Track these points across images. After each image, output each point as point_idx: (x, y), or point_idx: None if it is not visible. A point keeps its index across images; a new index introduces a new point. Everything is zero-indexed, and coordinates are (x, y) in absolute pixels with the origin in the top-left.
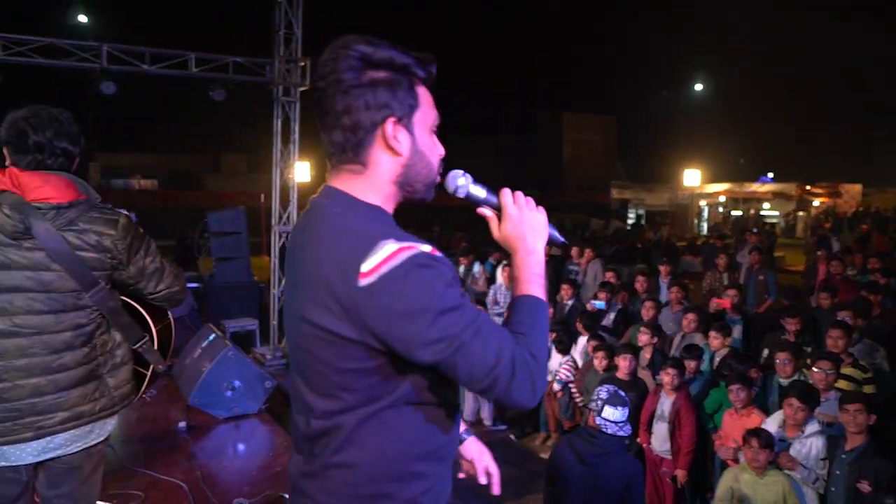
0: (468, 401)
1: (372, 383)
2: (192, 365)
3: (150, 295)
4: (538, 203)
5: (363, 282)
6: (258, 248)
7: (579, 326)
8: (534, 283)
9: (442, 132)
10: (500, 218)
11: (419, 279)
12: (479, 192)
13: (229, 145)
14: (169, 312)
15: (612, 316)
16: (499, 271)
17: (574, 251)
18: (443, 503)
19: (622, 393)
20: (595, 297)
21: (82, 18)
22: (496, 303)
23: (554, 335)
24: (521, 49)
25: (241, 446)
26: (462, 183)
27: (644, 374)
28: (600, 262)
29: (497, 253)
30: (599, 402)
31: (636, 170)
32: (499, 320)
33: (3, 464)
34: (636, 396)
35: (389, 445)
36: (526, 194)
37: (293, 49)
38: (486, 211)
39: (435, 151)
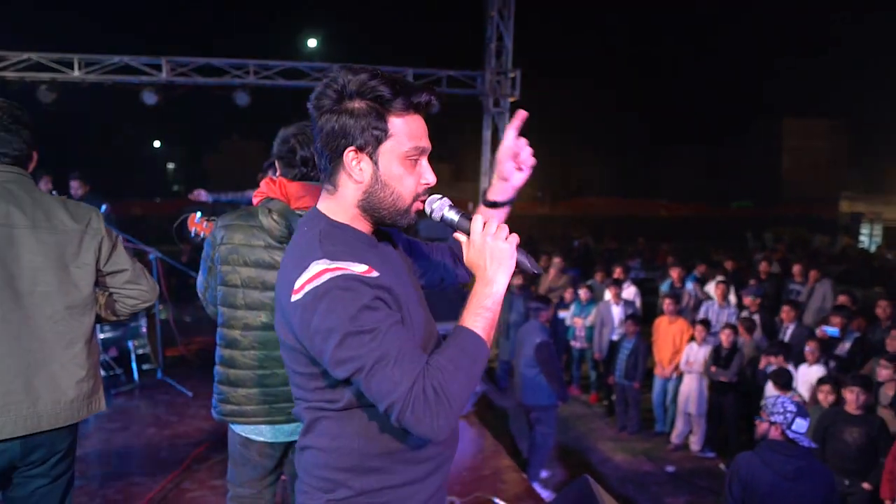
0: (677, 423)
1: (321, 387)
2: None
3: None
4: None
5: (293, 297)
6: None
7: (807, 354)
8: (479, 316)
9: (651, 142)
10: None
11: (334, 300)
12: (453, 216)
13: (437, 155)
14: None
15: (847, 345)
16: (711, 287)
17: (796, 269)
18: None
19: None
20: (826, 323)
21: (313, 43)
22: (705, 323)
23: (777, 358)
24: (733, 49)
25: None
26: (437, 206)
27: (885, 413)
28: (829, 282)
29: (703, 266)
30: (789, 415)
31: (873, 180)
32: (710, 340)
33: (261, 440)
34: (864, 434)
35: (343, 441)
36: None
37: (504, 61)
38: (460, 236)
39: (405, 181)
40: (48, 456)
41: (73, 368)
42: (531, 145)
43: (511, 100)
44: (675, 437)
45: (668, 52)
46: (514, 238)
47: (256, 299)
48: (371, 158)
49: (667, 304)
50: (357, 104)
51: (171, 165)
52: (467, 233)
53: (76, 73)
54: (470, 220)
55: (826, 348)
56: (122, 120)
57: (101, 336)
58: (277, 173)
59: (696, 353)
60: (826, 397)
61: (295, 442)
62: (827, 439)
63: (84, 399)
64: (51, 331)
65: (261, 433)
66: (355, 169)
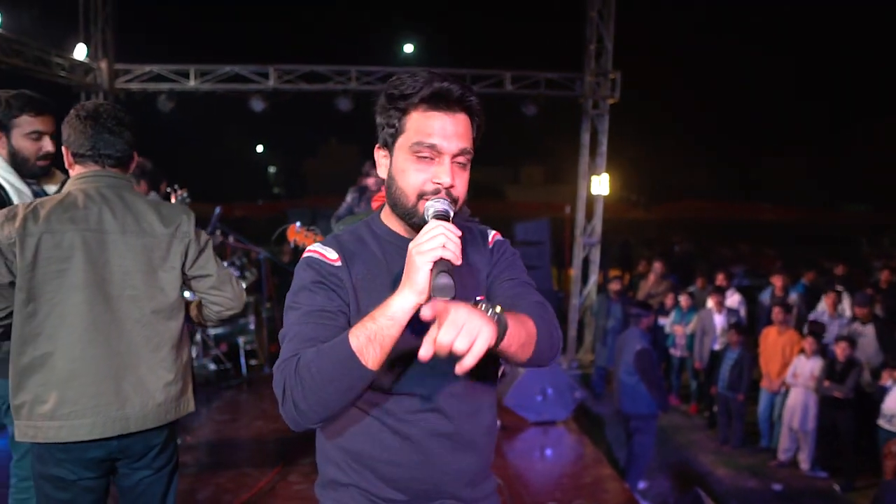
0: (783, 438)
1: None
2: (509, 367)
3: None
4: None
5: None
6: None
7: None
8: (363, 327)
9: (752, 139)
10: None
11: (295, 277)
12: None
13: (529, 157)
14: None
15: None
16: (823, 301)
17: None
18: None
19: None
20: None
21: (410, 48)
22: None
23: None
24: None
25: (548, 451)
26: (428, 207)
27: None
28: None
29: (810, 273)
30: None
31: None
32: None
33: None
34: None
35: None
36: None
37: (603, 62)
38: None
39: (408, 176)
40: (146, 451)
41: (161, 372)
42: (627, 147)
43: (610, 102)
44: (781, 454)
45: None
46: (432, 255)
47: None
48: (390, 153)
49: (776, 313)
50: (382, 102)
51: (272, 169)
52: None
53: (192, 82)
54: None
55: None
56: (228, 125)
57: (213, 332)
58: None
59: (803, 366)
60: None
61: None
62: None
63: (172, 402)
64: (139, 334)
65: None
66: (381, 165)
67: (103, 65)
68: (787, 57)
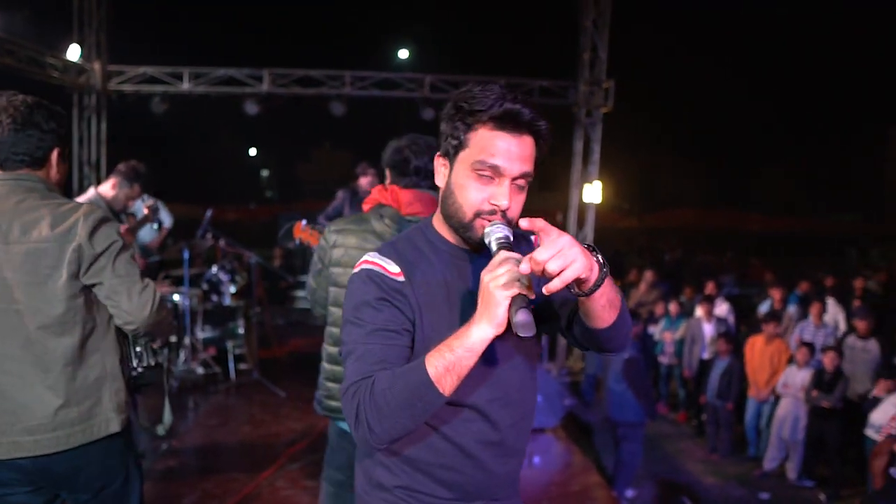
0: (771, 447)
1: None
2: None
3: None
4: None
5: None
6: None
7: None
8: (441, 356)
9: (744, 152)
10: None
11: (352, 288)
12: (493, 248)
13: None
14: None
15: None
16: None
17: None
18: None
19: None
20: None
21: (405, 53)
22: (808, 345)
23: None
24: (834, 55)
25: (536, 459)
26: (489, 232)
27: None
28: None
29: (805, 284)
30: None
31: None
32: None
33: None
34: None
35: None
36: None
37: (597, 71)
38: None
39: (467, 193)
40: (72, 474)
41: (49, 396)
42: (620, 156)
43: (603, 110)
44: (768, 463)
45: (762, 57)
46: (510, 291)
47: None
48: (450, 164)
49: (770, 327)
50: (450, 111)
51: (265, 173)
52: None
53: (185, 85)
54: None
55: None
56: (222, 128)
57: (202, 336)
58: (388, 182)
59: (794, 376)
60: None
61: None
62: None
63: (72, 426)
64: (27, 353)
65: None
66: (440, 173)
67: (96, 66)
68: (781, 68)
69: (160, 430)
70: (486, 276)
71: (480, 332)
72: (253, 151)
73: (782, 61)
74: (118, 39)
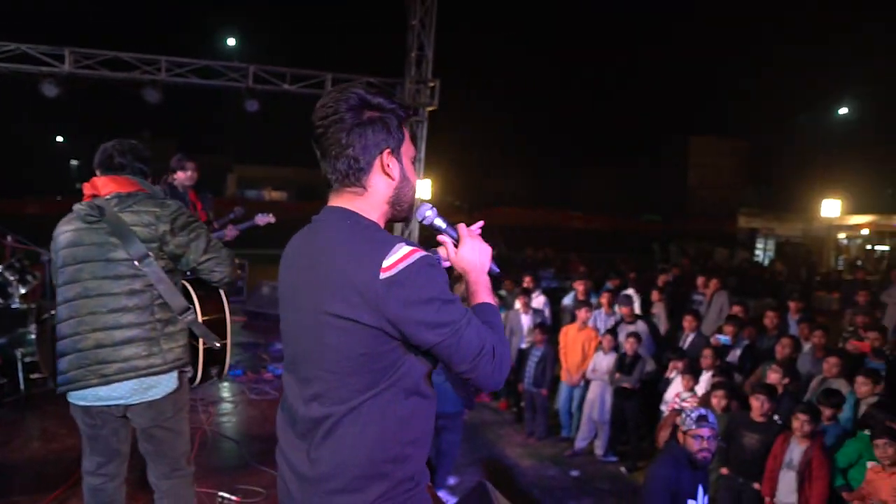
0: (582, 428)
1: (376, 369)
2: None
3: (198, 265)
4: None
5: (384, 275)
6: None
7: (703, 362)
8: (489, 294)
9: (567, 156)
10: (456, 245)
11: (429, 274)
12: (441, 223)
13: None
14: (222, 295)
15: (738, 352)
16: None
17: (700, 281)
18: (424, 483)
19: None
20: (720, 331)
21: (231, 41)
22: (612, 332)
23: (680, 365)
24: (647, 70)
25: None
26: (429, 214)
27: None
28: (726, 294)
29: (616, 279)
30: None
31: (768, 197)
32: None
33: (83, 403)
34: (761, 441)
35: (387, 428)
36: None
37: (423, 70)
38: (445, 238)
39: (414, 178)
40: None
41: None
42: (448, 154)
43: (429, 109)
44: (578, 443)
45: (584, 70)
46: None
47: (70, 275)
48: (397, 159)
49: (582, 313)
50: (380, 114)
51: (74, 162)
52: (454, 237)
53: None
54: (454, 226)
55: (719, 355)
56: (20, 112)
57: None
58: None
59: (601, 361)
60: (720, 402)
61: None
62: (730, 441)
63: None
64: None
65: (84, 398)
66: (393, 169)
67: None
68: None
69: None
70: (472, 236)
71: (488, 269)
72: (60, 139)
73: (603, 74)
74: None
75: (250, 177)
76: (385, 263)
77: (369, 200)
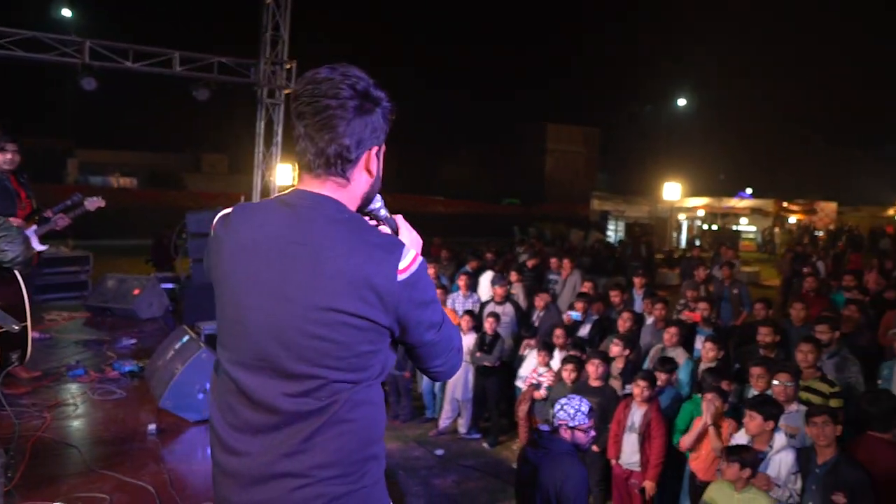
0: (445, 409)
1: (372, 363)
2: (164, 367)
3: None
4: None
5: (401, 277)
6: None
7: (555, 338)
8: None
9: (429, 143)
10: (395, 234)
11: (428, 277)
12: (385, 212)
13: (210, 145)
14: (18, 277)
15: (588, 327)
16: (484, 280)
17: (553, 262)
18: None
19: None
20: (572, 308)
21: (66, 12)
22: (470, 313)
23: (533, 342)
24: (505, 60)
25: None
26: (378, 205)
27: (615, 384)
28: (579, 273)
29: (474, 262)
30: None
31: (617, 182)
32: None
33: None
34: (598, 405)
35: (373, 414)
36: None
37: (279, 51)
38: (385, 228)
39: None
40: None
41: None
42: None
43: (286, 91)
44: (442, 422)
45: (446, 59)
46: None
47: None
48: (378, 157)
49: (439, 295)
50: (379, 108)
51: None
52: (394, 227)
53: None
54: (392, 216)
55: (571, 331)
56: None
57: None
58: None
59: (462, 341)
60: (570, 375)
61: None
62: None
63: None
64: None
65: None
66: (374, 165)
67: None
68: (459, 65)
69: None
70: (409, 229)
71: None
72: None
73: (465, 63)
74: None
75: (95, 162)
76: (401, 266)
77: (350, 193)
